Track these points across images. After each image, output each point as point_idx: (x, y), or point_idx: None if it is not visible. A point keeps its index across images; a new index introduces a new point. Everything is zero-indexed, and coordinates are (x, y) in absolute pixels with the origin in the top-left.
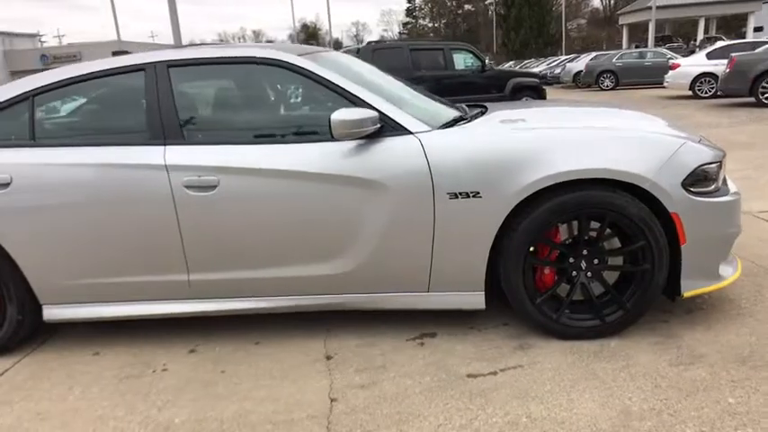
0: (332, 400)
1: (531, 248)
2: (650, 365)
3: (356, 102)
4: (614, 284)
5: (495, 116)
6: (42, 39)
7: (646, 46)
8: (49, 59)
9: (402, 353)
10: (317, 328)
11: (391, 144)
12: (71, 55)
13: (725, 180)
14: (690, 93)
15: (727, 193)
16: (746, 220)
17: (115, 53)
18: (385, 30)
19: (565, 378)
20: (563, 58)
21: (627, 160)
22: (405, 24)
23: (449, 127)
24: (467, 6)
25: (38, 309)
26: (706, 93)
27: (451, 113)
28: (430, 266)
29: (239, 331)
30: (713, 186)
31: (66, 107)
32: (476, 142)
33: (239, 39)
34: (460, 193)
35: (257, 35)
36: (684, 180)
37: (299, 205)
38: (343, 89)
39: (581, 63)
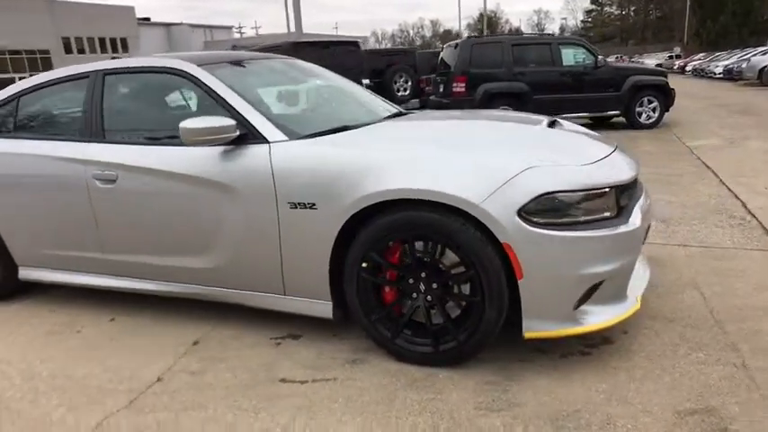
0: (158, 380)
1: (365, 264)
2: (454, 404)
3: (229, 110)
4: (461, 314)
5: (372, 128)
6: (243, 30)
7: None
8: (238, 49)
9: (255, 349)
10: (214, 315)
11: (250, 152)
12: (256, 45)
13: (623, 210)
14: None
15: (609, 226)
16: None
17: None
18: (564, 18)
19: (361, 400)
20: (760, 49)
21: (455, 183)
22: (588, 12)
23: (314, 137)
24: None
25: (16, 269)
26: None
27: (339, 123)
28: (282, 272)
29: (153, 307)
30: (580, 218)
31: (39, 106)
32: (315, 155)
33: (418, 28)
34: (299, 204)
35: (435, 24)
36: (523, 208)
37: (173, 202)
38: (222, 98)
39: None
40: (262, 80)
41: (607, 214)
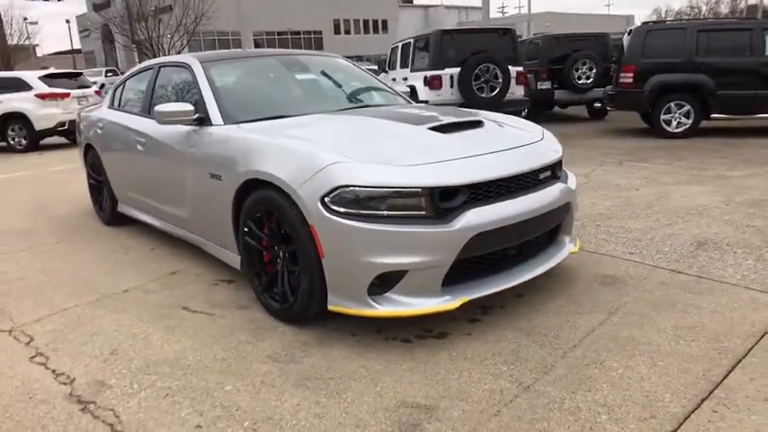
0: (123, 291)
1: (246, 229)
2: (257, 350)
3: (199, 96)
4: None
5: (296, 119)
6: (506, 10)
7: None
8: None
9: (197, 285)
10: (202, 256)
11: (200, 131)
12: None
13: (445, 212)
14: None
15: (418, 224)
16: None
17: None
18: None
19: (206, 332)
20: None
21: (287, 170)
22: None
23: (241, 123)
24: None
25: (116, 203)
26: None
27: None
28: (214, 226)
29: (176, 244)
30: (383, 212)
31: (132, 88)
32: (228, 137)
33: (713, 3)
34: (214, 175)
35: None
36: (324, 196)
37: (166, 165)
38: (199, 87)
39: None
40: (252, 75)
41: (420, 213)
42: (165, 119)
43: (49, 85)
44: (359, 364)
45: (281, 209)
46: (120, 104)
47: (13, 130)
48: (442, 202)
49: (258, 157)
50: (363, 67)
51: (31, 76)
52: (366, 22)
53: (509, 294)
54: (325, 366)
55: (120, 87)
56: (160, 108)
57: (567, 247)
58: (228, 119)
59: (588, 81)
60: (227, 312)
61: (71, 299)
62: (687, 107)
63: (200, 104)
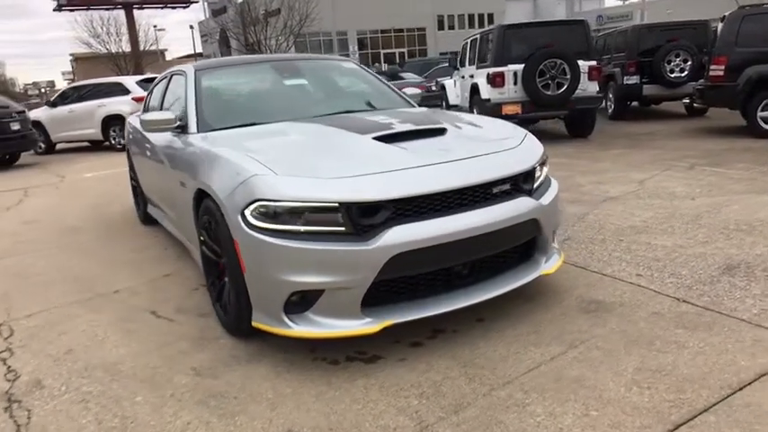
0: (114, 291)
1: (201, 238)
2: (190, 359)
3: (184, 104)
4: None
5: (263, 127)
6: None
7: None
8: (604, 20)
9: (181, 288)
10: None
11: (178, 138)
12: (623, 15)
13: (366, 229)
14: None
15: (335, 241)
16: None
17: None
18: None
19: (156, 339)
20: None
21: (220, 180)
22: None
23: (208, 132)
24: None
25: (147, 205)
26: None
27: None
28: (189, 231)
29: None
30: (300, 228)
31: (156, 95)
32: (191, 145)
33: None
34: (181, 182)
35: None
36: (243, 210)
37: (160, 169)
38: (186, 94)
39: None
40: (240, 82)
41: (338, 229)
42: (149, 127)
43: (146, 90)
44: (271, 385)
45: (216, 220)
46: (146, 111)
47: (114, 131)
48: (363, 218)
49: (203, 167)
50: (374, 71)
51: (129, 80)
52: (471, 17)
53: (468, 316)
54: (239, 384)
55: (149, 94)
56: (144, 117)
57: (541, 268)
58: (203, 127)
59: (682, 74)
60: (186, 319)
61: (67, 296)
62: None
63: (184, 112)
